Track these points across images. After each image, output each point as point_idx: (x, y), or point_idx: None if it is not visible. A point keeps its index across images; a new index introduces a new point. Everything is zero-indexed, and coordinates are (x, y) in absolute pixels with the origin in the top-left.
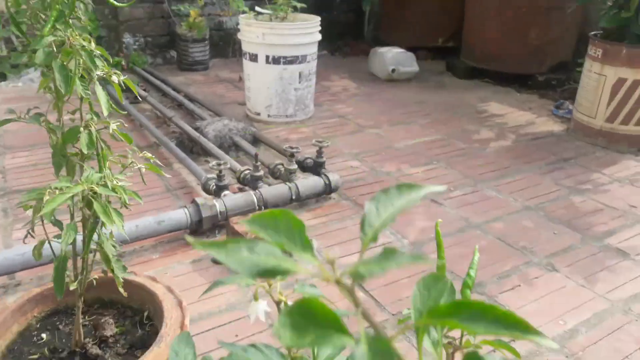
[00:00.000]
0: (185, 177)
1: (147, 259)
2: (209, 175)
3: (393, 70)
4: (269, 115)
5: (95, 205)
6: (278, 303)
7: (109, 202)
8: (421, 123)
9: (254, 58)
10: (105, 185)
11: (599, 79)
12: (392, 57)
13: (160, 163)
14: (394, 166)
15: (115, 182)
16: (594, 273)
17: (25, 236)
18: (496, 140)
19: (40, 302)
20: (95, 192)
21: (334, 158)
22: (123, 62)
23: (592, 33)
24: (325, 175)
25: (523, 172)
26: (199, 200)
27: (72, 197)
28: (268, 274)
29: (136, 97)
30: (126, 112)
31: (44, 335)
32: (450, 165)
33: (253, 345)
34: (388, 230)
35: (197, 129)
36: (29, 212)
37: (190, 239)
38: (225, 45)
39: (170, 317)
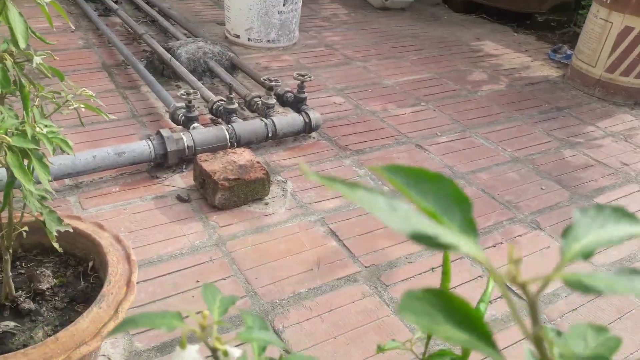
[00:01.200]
0: (154, 102)
1: (107, 192)
2: (178, 104)
3: None
4: (249, 39)
5: (9, 159)
6: (214, 350)
7: (36, 149)
8: (412, 59)
9: None
10: (23, 134)
11: (604, 25)
12: None
13: (100, 102)
14: (379, 105)
15: (39, 128)
16: None
17: None
18: (489, 83)
19: None
20: (8, 143)
21: (317, 92)
22: None
23: None
24: (306, 112)
25: (514, 120)
26: (164, 132)
27: None
28: (427, 241)
29: (106, 8)
30: (55, 43)
31: None
32: (439, 107)
33: None
34: (367, 176)
35: (169, 49)
36: None
37: (305, 167)
38: None
39: (116, 273)
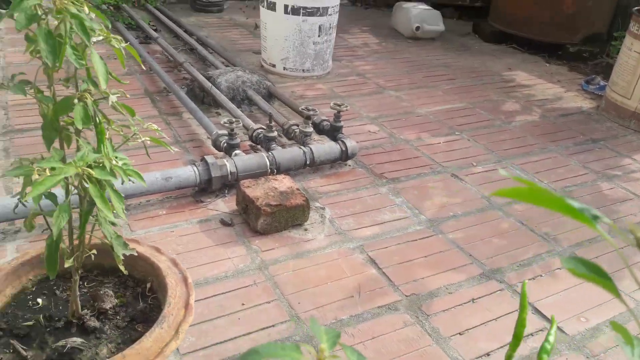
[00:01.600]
0: (195, 128)
1: (154, 215)
2: (220, 132)
3: (417, 28)
4: (284, 68)
5: (91, 190)
6: None
7: (108, 180)
8: (444, 88)
9: (271, 6)
10: (102, 167)
11: (639, 58)
12: (417, 14)
13: (164, 135)
14: (414, 134)
15: (114, 161)
16: (621, 269)
17: (16, 206)
18: (522, 113)
19: (37, 265)
20: (90, 174)
21: (351, 120)
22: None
23: (636, 8)
24: (342, 141)
25: (549, 151)
26: (209, 159)
27: (65, 178)
28: None
29: (147, 36)
30: (128, 82)
31: (39, 300)
32: (473, 137)
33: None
34: (404, 204)
35: (209, 78)
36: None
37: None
38: None
39: (174, 296)
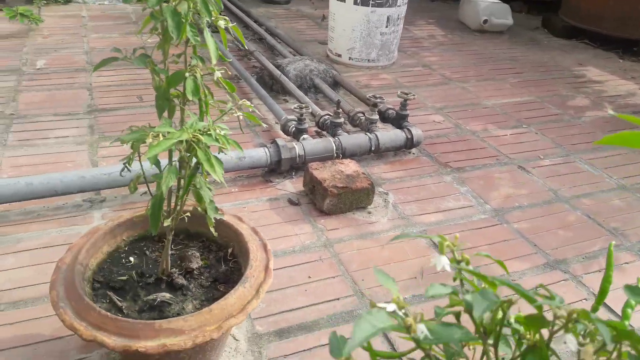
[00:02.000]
0: (264, 113)
1: (227, 191)
2: (289, 117)
3: (485, 21)
4: (350, 58)
5: (199, 154)
6: (459, 261)
7: (208, 147)
8: (512, 82)
9: None
10: (209, 134)
11: None
12: (485, 7)
13: (257, 112)
14: (479, 125)
15: (218, 130)
16: None
17: (122, 170)
18: (592, 109)
19: (130, 227)
20: (198, 140)
21: (416, 110)
22: None
23: None
24: (408, 129)
25: (620, 147)
26: (279, 141)
27: (178, 142)
28: None
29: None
30: (230, 60)
31: (131, 259)
32: (541, 131)
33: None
34: (469, 193)
35: (278, 66)
36: (124, 145)
37: None
38: None
39: (256, 259)
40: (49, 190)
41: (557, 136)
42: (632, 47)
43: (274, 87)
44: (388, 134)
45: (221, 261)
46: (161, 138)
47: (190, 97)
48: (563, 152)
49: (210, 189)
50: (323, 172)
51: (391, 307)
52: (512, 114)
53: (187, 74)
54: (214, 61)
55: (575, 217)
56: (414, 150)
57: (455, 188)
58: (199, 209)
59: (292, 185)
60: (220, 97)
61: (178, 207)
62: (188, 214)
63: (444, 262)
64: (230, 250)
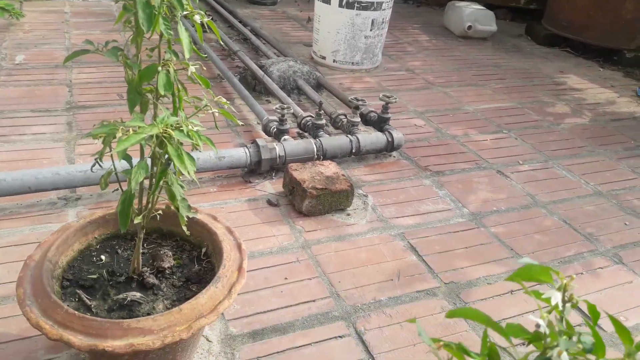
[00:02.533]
0: (246, 114)
1: (205, 191)
2: (271, 117)
3: (469, 27)
4: (334, 61)
5: (169, 149)
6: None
7: (181, 144)
8: (493, 87)
9: (326, 0)
10: (180, 130)
11: None
12: (470, 13)
13: (232, 109)
14: (460, 130)
15: (190, 126)
16: None
17: (93, 165)
18: (572, 116)
19: (102, 225)
20: (169, 135)
21: (398, 114)
22: None
23: None
24: (389, 132)
25: (598, 154)
26: (260, 141)
27: (147, 137)
28: None
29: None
30: (206, 56)
31: (103, 257)
32: (521, 136)
33: None
34: (447, 197)
35: (262, 67)
36: (98, 142)
37: None
38: None
39: (229, 259)
40: (22, 187)
41: (537, 142)
42: (612, 57)
43: (257, 88)
44: (369, 137)
45: (194, 261)
46: (131, 132)
47: (162, 92)
48: (542, 157)
49: (182, 187)
50: (303, 173)
51: None
52: (492, 119)
53: (159, 68)
54: (187, 55)
55: (551, 222)
56: (394, 153)
57: (434, 191)
58: (172, 207)
59: (271, 186)
60: (198, 93)
61: (150, 205)
62: (160, 212)
63: (558, 297)
64: (204, 250)
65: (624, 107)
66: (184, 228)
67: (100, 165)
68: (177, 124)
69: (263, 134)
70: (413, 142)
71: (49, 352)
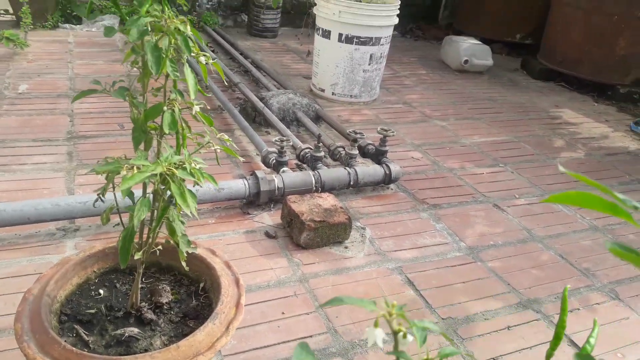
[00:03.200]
0: (245, 145)
1: (204, 223)
2: (270, 149)
3: (466, 62)
4: (333, 93)
5: (173, 188)
6: (396, 332)
7: (183, 180)
8: (490, 121)
9: (326, 34)
10: (184, 168)
11: None
12: (466, 47)
13: (234, 146)
14: (457, 163)
15: (193, 164)
16: None
17: (95, 200)
18: (567, 150)
19: (101, 259)
20: (172, 173)
21: (395, 146)
22: (195, 21)
23: None
24: (387, 165)
25: (593, 189)
26: (259, 173)
27: (152, 175)
28: None
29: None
30: (210, 94)
31: (101, 291)
32: (517, 170)
33: None
34: (444, 230)
35: (262, 99)
36: (101, 177)
37: None
38: (296, 14)
39: (227, 295)
40: (21, 218)
41: (533, 176)
42: (606, 92)
43: (257, 119)
44: (367, 169)
45: (192, 296)
46: (135, 171)
47: (166, 131)
48: (538, 191)
49: (183, 222)
50: (301, 206)
51: (380, 334)
52: (489, 152)
53: (165, 108)
54: (193, 96)
55: (548, 257)
56: (392, 185)
57: (431, 225)
58: (172, 242)
59: (269, 218)
60: (200, 128)
61: (150, 240)
62: (160, 247)
63: (377, 335)
64: (202, 285)
65: (618, 142)
66: (184, 264)
67: (102, 200)
68: (181, 162)
69: (262, 165)
70: (410, 174)
71: None
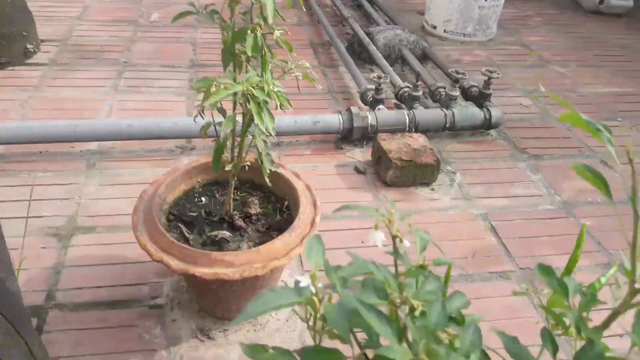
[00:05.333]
0: (348, 82)
1: (300, 153)
2: (369, 86)
3: (601, 2)
4: (445, 31)
5: (252, 105)
6: (394, 237)
7: (266, 102)
8: (614, 70)
9: None
10: (262, 89)
11: None
12: None
13: (313, 74)
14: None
15: (272, 86)
16: None
17: (196, 116)
18: None
19: (205, 171)
20: (252, 93)
21: (504, 90)
22: None
23: None
24: (487, 108)
25: None
26: (353, 109)
27: (234, 93)
28: None
29: None
30: (289, 20)
31: (203, 199)
32: (636, 126)
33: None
34: (540, 182)
35: (368, 34)
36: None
37: None
38: None
39: (304, 213)
40: (146, 133)
41: None
42: None
43: (362, 56)
44: (465, 112)
45: (277, 211)
46: (222, 88)
47: (249, 53)
48: None
49: (265, 142)
50: (390, 143)
51: (305, 281)
52: (607, 104)
53: (249, 32)
54: (271, 20)
55: None
56: (492, 132)
57: (527, 175)
58: (258, 160)
59: (361, 155)
60: (299, 57)
61: (237, 154)
62: (249, 163)
63: (377, 237)
64: (286, 203)
65: None
66: (267, 180)
67: (202, 116)
68: (260, 83)
69: (360, 102)
70: (515, 121)
71: (157, 276)
